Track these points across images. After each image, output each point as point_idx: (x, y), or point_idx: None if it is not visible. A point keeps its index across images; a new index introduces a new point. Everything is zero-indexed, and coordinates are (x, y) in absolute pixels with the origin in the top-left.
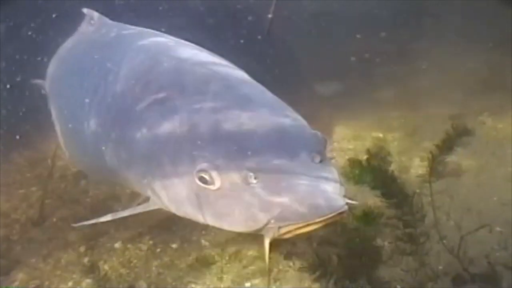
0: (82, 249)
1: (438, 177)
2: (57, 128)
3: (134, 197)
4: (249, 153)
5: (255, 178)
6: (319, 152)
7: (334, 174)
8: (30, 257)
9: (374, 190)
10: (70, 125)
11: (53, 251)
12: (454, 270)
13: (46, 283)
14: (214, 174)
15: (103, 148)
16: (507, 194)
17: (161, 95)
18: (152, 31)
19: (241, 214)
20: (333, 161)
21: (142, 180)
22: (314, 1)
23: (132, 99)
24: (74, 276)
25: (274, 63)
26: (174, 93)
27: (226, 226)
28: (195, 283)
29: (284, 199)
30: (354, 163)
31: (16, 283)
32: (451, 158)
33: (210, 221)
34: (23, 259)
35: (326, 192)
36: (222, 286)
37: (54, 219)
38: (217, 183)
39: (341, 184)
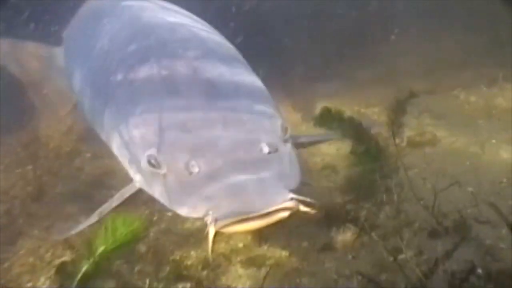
0: (82, 219)
1: (415, 146)
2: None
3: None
4: (195, 142)
5: (197, 167)
6: (270, 143)
7: (284, 165)
8: (33, 228)
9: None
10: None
11: (54, 223)
12: (430, 226)
13: (51, 250)
14: (160, 159)
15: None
16: (478, 160)
17: (130, 74)
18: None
19: (183, 201)
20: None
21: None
22: None
23: (107, 71)
24: (78, 243)
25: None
26: (141, 73)
27: (173, 208)
28: (192, 248)
29: (219, 192)
30: (325, 111)
31: (23, 251)
32: (427, 129)
33: (162, 201)
34: (26, 230)
35: (265, 187)
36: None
37: (52, 195)
38: (163, 169)
39: (292, 176)
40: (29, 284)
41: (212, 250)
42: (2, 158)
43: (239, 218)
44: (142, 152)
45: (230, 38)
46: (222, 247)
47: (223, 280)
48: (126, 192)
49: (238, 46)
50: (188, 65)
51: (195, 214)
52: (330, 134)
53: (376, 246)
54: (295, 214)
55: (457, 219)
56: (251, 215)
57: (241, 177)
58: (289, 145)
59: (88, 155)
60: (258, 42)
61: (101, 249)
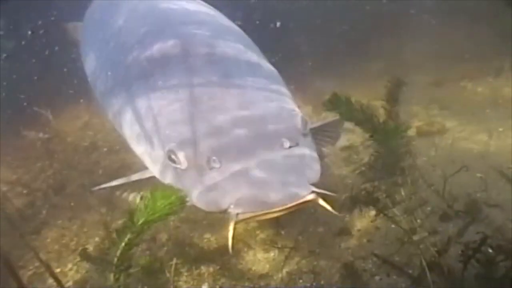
0: (103, 210)
1: (424, 136)
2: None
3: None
4: (216, 137)
5: (219, 162)
6: (291, 137)
7: (305, 160)
8: (56, 219)
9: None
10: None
11: (76, 214)
12: (441, 209)
13: (75, 239)
14: (181, 155)
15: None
16: (486, 147)
17: (146, 68)
18: None
19: (204, 196)
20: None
21: (132, 146)
22: None
23: (123, 51)
24: (100, 232)
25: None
26: (157, 67)
27: (195, 203)
28: (212, 235)
29: (242, 187)
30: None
31: (48, 240)
32: (436, 119)
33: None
34: (50, 221)
35: (287, 182)
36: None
37: (73, 188)
38: (184, 164)
39: (313, 170)
40: (58, 270)
41: (233, 244)
42: (22, 153)
43: (261, 214)
44: (162, 146)
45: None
46: (241, 233)
47: (243, 264)
48: (145, 174)
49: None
50: (206, 49)
51: (216, 209)
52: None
53: (390, 230)
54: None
55: (468, 203)
56: (269, 211)
57: (262, 172)
58: (309, 138)
59: (105, 149)
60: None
61: (142, 220)
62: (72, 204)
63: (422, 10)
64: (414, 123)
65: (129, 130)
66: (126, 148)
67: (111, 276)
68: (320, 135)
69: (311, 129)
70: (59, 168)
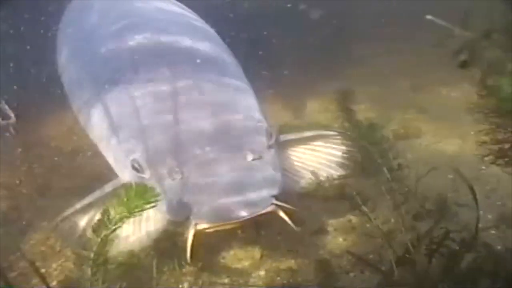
0: None
1: (401, 139)
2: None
3: None
4: (179, 148)
5: (180, 174)
6: (254, 150)
7: (267, 173)
8: (41, 221)
9: None
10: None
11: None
12: (414, 209)
13: (60, 240)
14: (143, 165)
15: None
16: (459, 150)
17: (116, 75)
18: None
19: (167, 205)
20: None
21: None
22: None
23: (92, 48)
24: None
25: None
26: (127, 71)
27: (158, 211)
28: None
29: (202, 200)
30: None
31: (33, 242)
32: (412, 123)
33: None
34: (35, 223)
35: (247, 195)
36: None
37: (57, 190)
38: (146, 174)
39: (274, 183)
40: (43, 270)
41: (191, 252)
42: (7, 157)
43: (220, 224)
44: (126, 155)
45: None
46: (221, 232)
47: (224, 262)
48: (112, 185)
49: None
50: (174, 52)
51: (176, 219)
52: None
53: (365, 229)
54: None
55: (439, 202)
56: (227, 223)
57: (223, 185)
58: (272, 151)
59: (89, 153)
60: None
61: (117, 217)
62: (56, 206)
63: (398, 16)
64: (390, 127)
65: (96, 133)
66: None
67: (88, 270)
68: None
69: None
70: (44, 172)
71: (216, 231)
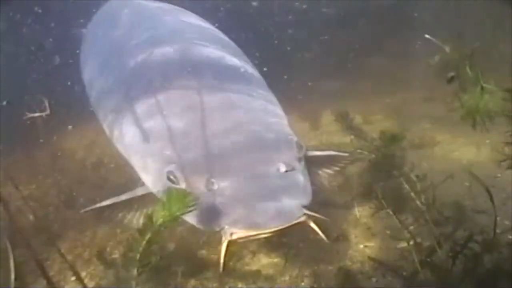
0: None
1: (416, 148)
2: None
3: None
4: (214, 160)
5: (216, 184)
6: (287, 162)
7: (299, 184)
8: (69, 231)
9: None
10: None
11: (87, 227)
12: (432, 216)
13: (87, 249)
14: (179, 176)
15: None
16: (473, 157)
17: (148, 87)
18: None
19: (201, 215)
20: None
21: (130, 159)
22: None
23: (122, 60)
24: (111, 243)
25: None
26: (159, 83)
27: (191, 222)
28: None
29: (237, 209)
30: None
31: (62, 251)
32: (427, 133)
33: None
34: (62, 233)
35: (281, 205)
36: None
37: (83, 202)
38: (182, 185)
39: (306, 194)
40: (72, 278)
41: (224, 263)
42: (33, 170)
43: (254, 234)
44: (162, 167)
45: None
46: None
47: (248, 268)
48: (140, 191)
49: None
50: (206, 66)
51: (212, 229)
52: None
53: (384, 236)
54: None
55: (456, 210)
56: (263, 231)
57: (258, 195)
58: (302, 163)
59: (112, 165)
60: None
61: (160, 220)
62: (82, 217)
63: (408, 29)
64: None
65: (127, 144)
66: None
67: (135, 270)
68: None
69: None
70: (69, 184)
71: (248, 240)
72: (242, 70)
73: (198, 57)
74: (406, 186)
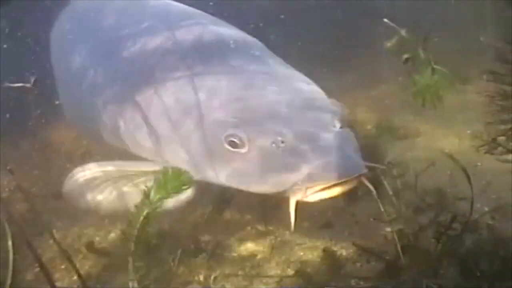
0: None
1: (400, 139)
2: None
3: None
4: (276, 117)
5: (282, 142)
6: (339, 119)
7: (353, 139)
8: (57, 222)
9: None
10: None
11: (76, 217)
12: (414, 204)
13: (77, 239)
14: (243, 137)
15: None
16: (455, 147)
17: (192, 66)
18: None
19: (270, 176)
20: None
21: (164, 149)
22: None
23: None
24: (99, 233)
25: None
26: (201, 64)
27: (253, 188)
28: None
29: (312, 161)
30: None
31: (51, 242)
32: (411, 124)
33: (237, 184)
34: (51, 223)
35: (350, 155)
36: None
37: None
38: (246, 147)
39: (358, 149)
40: (63, 266)
41: (295, 222)
42: (19, 161)
43: (331, 183)
44: (218, 133)
45: None
46: (233, 228)
47: (236, 255)
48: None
49: None
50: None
51: (283, 187)
52: None
53: (368, 223)
54: None
55: (438, 197)
56: (339, 181)
57: (326, 148)
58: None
59: (98, 157)
60: None
61: (157, 197)
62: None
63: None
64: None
65: (156, 123)
66: (120, 155)
67: (132, 245)
68: None
69: None
70: (56, 175)
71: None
72: (260, 44)
73: (219, 35)
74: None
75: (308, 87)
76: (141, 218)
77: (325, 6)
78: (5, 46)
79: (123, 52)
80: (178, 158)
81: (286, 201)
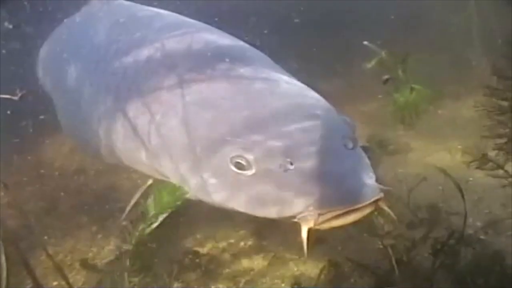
0: (94, 228)
1: (391, 154)
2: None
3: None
4: (284, 138)
5: (291, 164)
6: (351, 138)
7: (366, 160)
8: (50, 238)
9: None
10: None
11: (69, 232)
12: (407, 218)
13: (69, 255)
14: (250, 159)
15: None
16: (446, 162)
17: (184, 75)
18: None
19: (278, 200)
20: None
21: (161, 164)
22: None
23: (155, 77)
24: (92, 249)
25: None
26: (196, 73)
27: (261, 213)
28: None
29: (323, 185)
30: None
31: (43, 257)
32: (401, 139)
33: (243, 207)
34: (44, 240)
35: (363, 178)
36: None
37: (63, 209)
38: (254, 169)
39: (373, 171)
40: (55, 283)
41: (308, 248)
42: (13, 178)
43: (344, 210)
44: (224, 154)
45: None
46: (225, 244)
47: (230, 271)
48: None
49: None
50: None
51: (292, 212)
52: None
53: (362, 238)
54: None
55: (431, 212)
56: (352, 208)
57: (337, 171)
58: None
59: (92, 172)
60: None
61: (152, 213)
62: (64, 223)
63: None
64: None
65: (161, 143)
66: (112, 171)
67: (127, 261)
68: None
69: None
70: (49, 191)
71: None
72: (254, 51)
73: (216, 43)
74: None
75: (318, 104)
76: (136, 233)
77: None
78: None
79: (115, 66)
80: (185, 182)
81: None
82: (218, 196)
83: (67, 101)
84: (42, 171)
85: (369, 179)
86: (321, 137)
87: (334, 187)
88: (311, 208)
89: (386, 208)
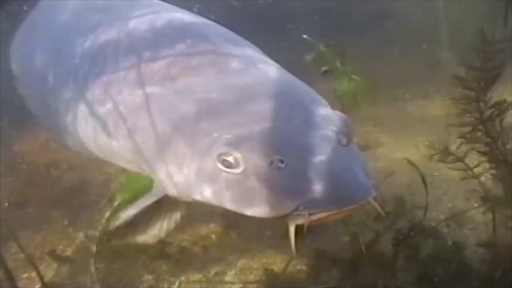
0: (66, 222)
1: (363, 149)
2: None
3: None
4: (275, 135)
5: (282, 162)
6: (345, 134)
7: (361, 157)
8: (21, 231)
9: None
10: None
11: (40, 226)
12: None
13: (40, 247)
14: (238, 156)
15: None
16: (414, 158)
17: (169, 70)
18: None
19: (267, 199)
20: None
21: (144, 160)
22: None
23: (125, 64)
24: (64, 241)
25: None
26: (181, 66)
27: (249, 212)
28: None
29: (315, 185)
30: None
31: (14, 249)
32: (371, 135)
33: (230, 206)
34: (14, 233)
35: (357, 177)
36: None
37: (35, 202)
38: (242, 167)
39: (368, 167)
40: (25, 275)
41: (296, 247)
42: None
43: (337, 211)
44: (210, 151)
45: None
46: (196, 237)
47: (199, 263)
48: (151, 198)
49: None
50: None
51: (282, 212)
52: None
53: (330, 231)
54: None
55: (396, 205)
56: (347, 208)
57: (333, 169)
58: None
59: (64, 166)
60: None
61: (118, 200)
62: (35, 217)
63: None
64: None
65: (143, 136)
66: (85, 165)
67: (94, 247)
68: None
69: None
70: (21, 185)
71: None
72: (233, 35)
73: (194, 24)
74: None
75: (309, 97)
76: (103, 220)
77: None
78: None
79: (79, 52)
80: (170, 179)
81: None
82: (202, 194)
83: (36, 92)
84: (14, 164)
85: (364, 178)
86: (314, 133)
87: (327, 186)
88: (301, 208)
89: (375, 203)
